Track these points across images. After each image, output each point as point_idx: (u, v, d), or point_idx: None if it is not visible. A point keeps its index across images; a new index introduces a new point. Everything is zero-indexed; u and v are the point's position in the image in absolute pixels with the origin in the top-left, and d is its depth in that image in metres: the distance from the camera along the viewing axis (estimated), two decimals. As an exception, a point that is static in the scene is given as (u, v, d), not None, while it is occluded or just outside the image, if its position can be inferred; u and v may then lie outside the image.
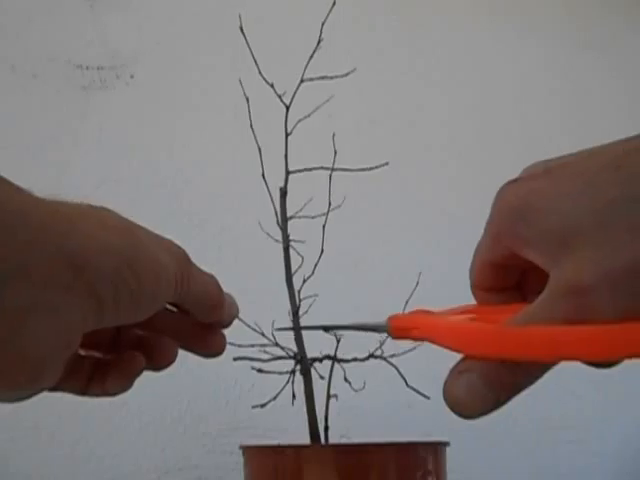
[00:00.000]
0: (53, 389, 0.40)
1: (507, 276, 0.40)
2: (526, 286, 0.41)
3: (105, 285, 0.34)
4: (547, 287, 0.34)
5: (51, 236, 0.32)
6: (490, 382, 0.34)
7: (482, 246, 0.40)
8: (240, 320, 0.47)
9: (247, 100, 0.84)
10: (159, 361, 0.43)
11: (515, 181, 0.37)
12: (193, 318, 0.43)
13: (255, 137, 0.83)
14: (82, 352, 0.42)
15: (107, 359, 0.43)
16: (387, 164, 0.83)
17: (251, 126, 0.83)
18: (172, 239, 0.41)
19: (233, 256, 1.16)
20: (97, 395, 0.42)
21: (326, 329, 0.47)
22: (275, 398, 0.81)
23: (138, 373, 0.42)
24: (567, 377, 1.28)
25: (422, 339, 0.39)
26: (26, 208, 0.32)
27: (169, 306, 0.43)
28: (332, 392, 0.81)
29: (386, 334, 0.41)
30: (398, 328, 0.40)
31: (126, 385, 0.42)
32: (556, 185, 0.35)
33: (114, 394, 0.42)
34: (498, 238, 0.38)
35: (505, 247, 0.37)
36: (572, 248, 0.33)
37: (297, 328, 0.47)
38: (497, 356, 0.34)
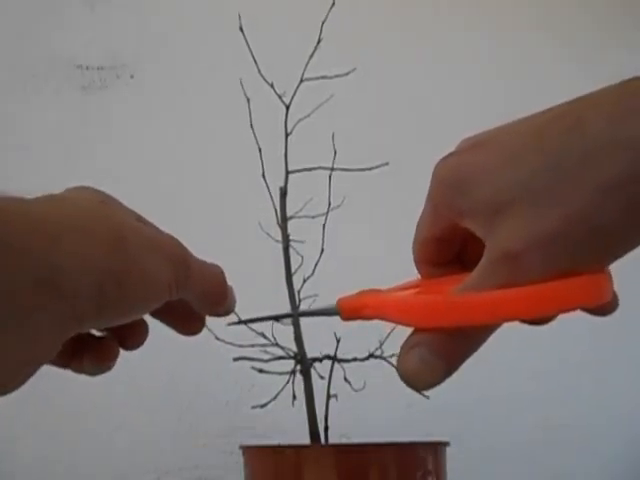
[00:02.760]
0: None
1: (448, 248, 0.42)
2: (466, 257, 0.42)
3: (86, 302, 0.34)
4: (484, 256, 0.36)
5: (31, 255, 0.32)
6: (439, 353, 0.36)
7: (422, 221, 0.41)
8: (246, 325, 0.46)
9: (248, 100, 0.84)
10: (131, 343, 0.43)
11: (449, 155, 0.39)
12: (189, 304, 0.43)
13: (255, 137, 0.83)
14: None
15: (85, 338, 0.42)
16: (387, 164, 0.83)
17: (251, 126, 0.83)
18: (173, 235, 0.40)
19: (233, 256, 1.16)
20: (78, 372, 0.41)
21: (277, 318, 0.47)
22: (275, 398, 0.81)
23: (113, 358, 0.41)
24: (567, 377, 1.28)
25: (373, 317, 0.40)
26: (8, 224, 0.32)
27: None
28: (332, 392, 0.81)
29: (338, 316, 0.41)
30: (348, 309, 0.41)
31: (103, 368, 0.41)
32: (486, 156, 0.37)
33: (92, 374, 0.41)
34: (437, 211, 0.39)
35: (444, 219, 0.39)
36: (503, 217, 0.35)
37: (248, 320, 0.47)
38: (444, 325, 0.36)
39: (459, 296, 0.36)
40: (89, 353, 0.41)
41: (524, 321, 0.37)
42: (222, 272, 0.43)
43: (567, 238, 0.34)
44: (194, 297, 0.41)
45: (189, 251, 0.41)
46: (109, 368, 0.41)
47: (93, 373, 0.41)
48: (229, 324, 0.47)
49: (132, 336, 0.42)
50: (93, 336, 0.41)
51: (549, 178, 0.34)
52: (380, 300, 0.40)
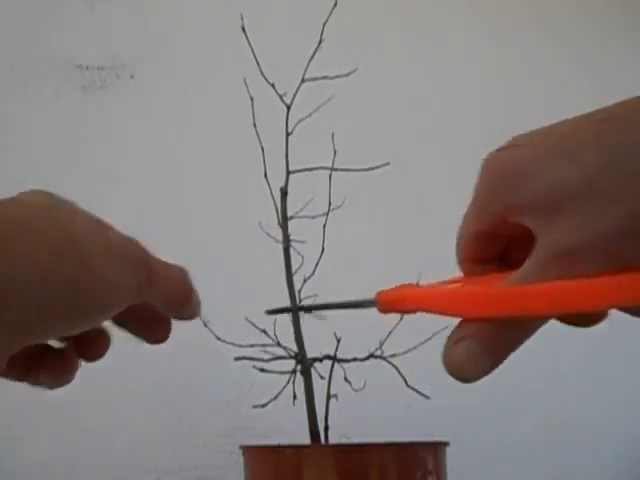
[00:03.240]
0: None
1: (493, 245, 0.41)
2: (510, 255, 0.41)
3: (35, 312, 0.33)
4: (537, 250, 0.35)
5: None
6: (487, 345, 0.36)
7: (470, 216, 0.40)
8: (248, 321, 0.46)
9: (252, 99, 0.84)
10: (92, 355, 0.41)
11: (501, 149, 0.38)
12: (154, 310, 0.41)
13: (258, 137, 0.83)
14: None
15: (43, 350, 0.40)
16: (388, 164, 0.83)
17: (254, 125, 0.83)
18: (136, 239, 0.39)
19: (233, 256, 1.16)
20: (35, 385, 0.40)
21: (308, 309, 0.45)
22: (276, 398, 0.81)
23: (72, 371, 0.40)
24: (567, 377, 1.28)
25: (414, 309, 0.39)
26: None
27: None
28: (332, 392, 0.81)
29: (375, 309, 0.40)
30: (387, 301, 0.40)
31: (61, 381, 0.40)
32: (541, 150, 0.36)
33: (50, 388, 0.40)
34: (486, 206, 0.38)
35: (493, 215, 0.38)
36: (561, 212, 0.34)
37: (289, 309, 0.46)
38: (497, 315, 0.35)
39: (514, 286, 0.35)
40: (46, 366, 0.39)
41: (571, 323, 0.36)
42: (186, 273, 0.41)
43: (628, 235, 0.33)
44: (158, 299, 0.40)
45: (151, 253, 0.39)
46: (68, 381, 0.40)
47: (51, 387, 0.40)
48: (267, 312, 0.45)
49: (93, 346, 0.40)
50: (51, 348, 0.40)
51: (609, 173, 0.33)
52: (423, 292, 0.39)
